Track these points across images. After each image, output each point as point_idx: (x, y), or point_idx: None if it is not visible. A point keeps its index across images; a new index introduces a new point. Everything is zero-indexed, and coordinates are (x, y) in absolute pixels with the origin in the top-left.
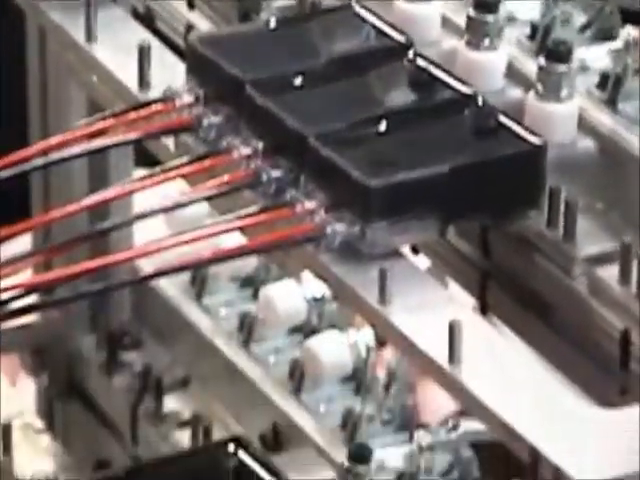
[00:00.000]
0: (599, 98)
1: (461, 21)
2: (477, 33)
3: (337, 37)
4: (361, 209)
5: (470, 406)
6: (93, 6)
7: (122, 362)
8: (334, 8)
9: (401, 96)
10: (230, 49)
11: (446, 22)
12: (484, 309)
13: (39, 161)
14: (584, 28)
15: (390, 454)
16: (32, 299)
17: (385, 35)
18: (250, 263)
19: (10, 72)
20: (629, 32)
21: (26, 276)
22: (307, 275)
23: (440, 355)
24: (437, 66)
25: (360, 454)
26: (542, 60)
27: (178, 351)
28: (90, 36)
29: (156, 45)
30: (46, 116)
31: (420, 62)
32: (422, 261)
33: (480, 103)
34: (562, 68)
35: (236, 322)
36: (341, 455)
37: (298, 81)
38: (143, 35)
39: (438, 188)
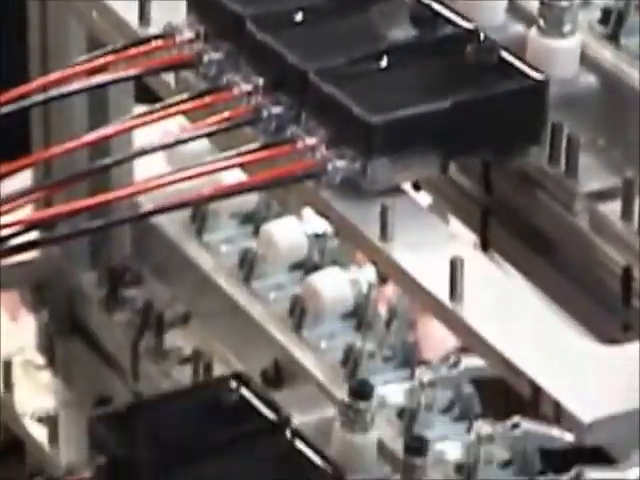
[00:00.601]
0: (601, 33)
1: None
2: None
3: None
4: (362, 145)
5: (471, 342)
6: None
7: (123, 298)
8: None
9: (402, 32)
10: None
11: None
12: (485, 245)
13: (39, 97)
14: None
15: (391, 390)
16: (32, 235)
17: None
18: (251, 200)
19: (10, 8)
20: None
21: (26, 213)
22: (308, 212)
23: (441, 292)
24: (439, 1)
25: (361, 390)
26: None
27: (179, 288)
28: None
29: None
30: (46, 52)
31: None
32: (423, 198)
33: (482, 38)
34: (564, 3)
35: (237, 259)
36: (342, 391)
37: (299, 17)
38: None
39: (439, 124)
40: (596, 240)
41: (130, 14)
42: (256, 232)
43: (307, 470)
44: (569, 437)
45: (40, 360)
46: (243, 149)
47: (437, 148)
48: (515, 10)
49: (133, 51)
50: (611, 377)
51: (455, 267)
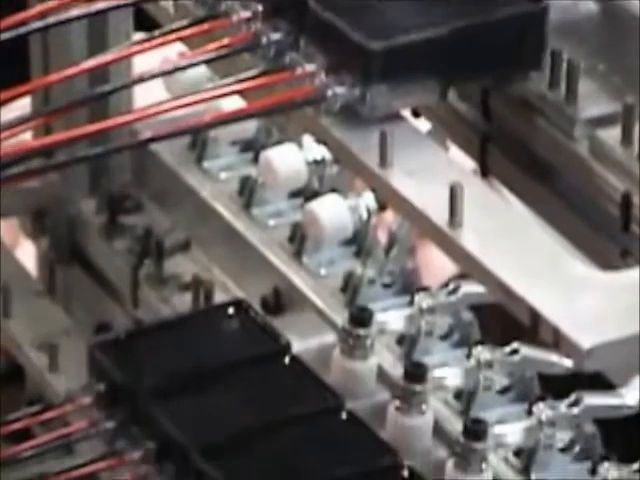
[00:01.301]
0: None
1: None
2: None
3: None
4: (361, 72)
5: (470, 269)
6: None
7: (122, 226)
8: None
9: None
10: None
11: None
12: (485, 172)
13: (38, 24)
14: None
15: (390, 317)
16: (32, 163)
17: None
18: (250, 127)
19: None
20: None
21: (26, 140)
22: (308, 139)
23: (440, 218)
24: None
25: (360, 317)
26: None
27: (178, 215)
28: None
29: None
30: None
31: None
32: (423, 124)
33: None
34: None
35: (236, 186)
36: (341, 318)
37: None
38: None
39: (438, 50)
40: (595, 166)
41: None
42: (256, 159)
43: (306, 396)
44: (568, 363)
45: (40, 287)
46: (242, 76)
47: (436, 74)
48: None
49: None
50: (610, 303)
51: (454, 193)
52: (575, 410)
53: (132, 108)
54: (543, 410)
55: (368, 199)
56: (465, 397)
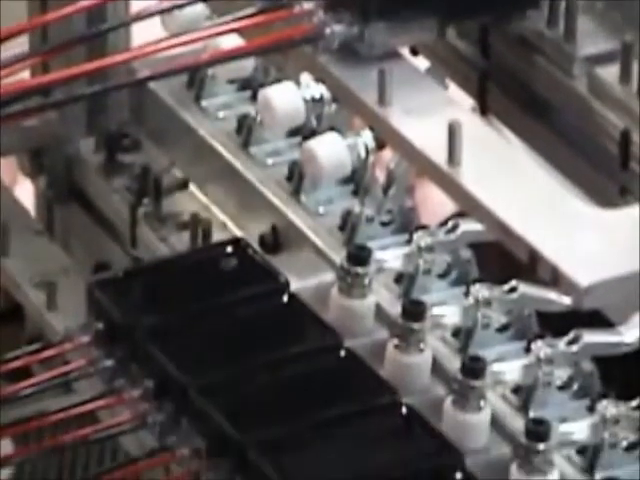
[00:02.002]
0: None
1: None
2: None
3: None
4: (360, 9)
5: (469, 207)
6: None
7: (121, 164)
8: None
9: None
10: None
11: None
12: (483, 110)
13: None
14: None
15: (389, 255)
16: (30, 101)
17: None
18: (248, 65)
19: None
20: None
21: (23, 78)
22: (306, 77)
23: (439, 156)
24: None
25: (359, 255)
26: None
27: (177, 153)
28: None
29: None
30: None
31: None
32: (421, 62)
33: None
34: None
35: (234, 124)
36: (340, 256)
37: None
38: None
39: None
40: (594, 104)
41: None
42: (254, 97)
43: (305, 334)
44: (566, 300)
45: (38, 226)
46: (240, 14)
47: (435, 12)
48: None
49: None
50: (609, 241)
51: (453, 131)
52: (574, 348)
53: (130, 46)
54: (541, 348)
55: (366, 137)
56: (463, 335)
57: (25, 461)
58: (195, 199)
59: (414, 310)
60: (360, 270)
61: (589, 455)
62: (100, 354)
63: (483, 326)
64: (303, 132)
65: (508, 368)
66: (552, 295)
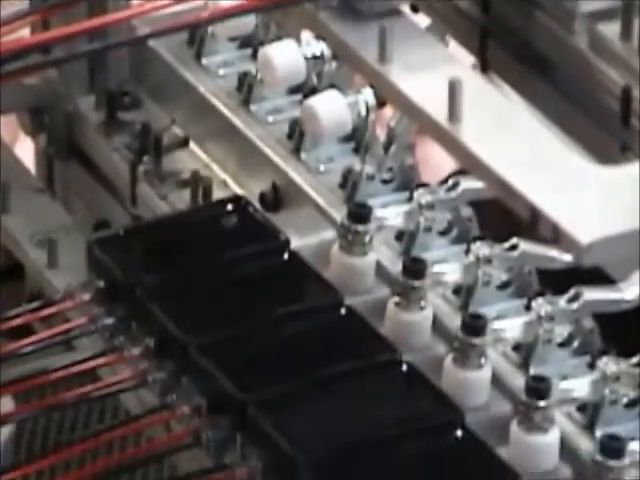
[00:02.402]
0: None
1: None
2: None
3: None
4: None
5: (470, 164)
6: None
7: (121, 122)
8: None
9: None
10: None
11: None
12: (484, 67)
13: None
14: None
15: (390, 213)
16: (30, 59)
17: None
18: (249, 23)
19: None
20: None
21: (24, 36)
22: (307, 35)
23: (440, 113)
24: None
25: (359, 213)
26: None
27: (177, 111)
28: None
29: None
30: None
31: None
32: (422, 19)
33: None
34: None
35: (235, 82)
36: (340, 214)
37: None
38: None
39: None
40: (595, 60)
41: None
42: (254, 55)
43: (306, 292)
44: (567, 258)
45: (39, 184)
46: None
47: None
48: None
49: None
50: (609, 198)
51: (454, 89)
52: (574, 305)
53: (130, 4)
54: (542, 305)
55: (367, 95)
56: (464, 293)
57: (26, 419)
58: (195, 157)
59: (415, 268)
60: (361, 228)
61: (589, 412)
62: (101, 312)
63: (484, 284)
64: (304, 90)
65: (509, 325)
66: (553, 252)
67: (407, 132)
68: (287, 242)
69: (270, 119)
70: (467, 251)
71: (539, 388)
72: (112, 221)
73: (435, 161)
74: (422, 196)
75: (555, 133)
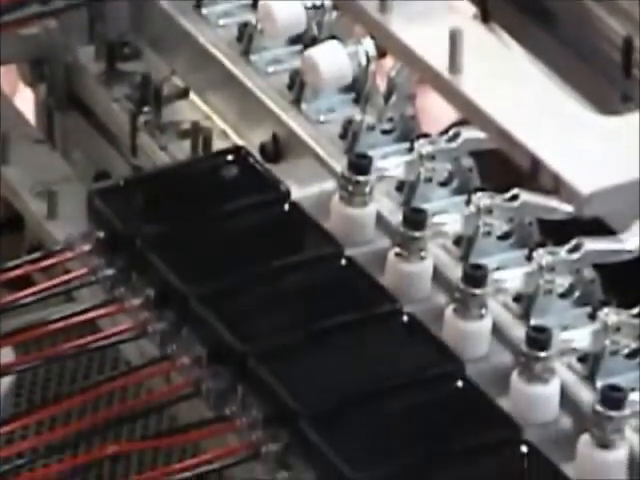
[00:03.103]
0: None
1: None
2: None
3: None
4: None
5: (470, 114)
6: None
7: (121, 72)
8: None
9: None
10: None
11: None
12: (485, 17)
13: None
14: None
15: (390, 163)
16: (29, 9)
17: None
18: None
19: None
20: None
21: None
22: None
23: (440, 64)
24: None
25: (360, 163)
26: None
27: (177, 61)
28: None
29: None
30: None
31: None
32: None
33: None
34: None
35: (235, 32)
36: (341, 165)
37: None
38: None
39: None
40: (597, 10)
41: None
42: (255, 5)
43: (306, 243)
44: (568, 208)
45: (39, 135)
46: None
47: None
48: None
49: None
50: (611, 148)
51: (454, 39)
52: (575, 255)
53: None
54: (543, 256)
55: (367, 45)
56: (465, 243)
57: (26, 370)
58: (196, 107)
59: (415, 218)
60: (361, 178)
61: (590, 363)
62: (101, 263)
63: (484, 234)
64: (304, 40)
65: (509, 276)
66: (554, 203)
67: (407, 82)
68: (287, 193)
69: (270, 69)
70: (468, 202)
71: (540, 339)
72: (112, 172)
73: (436, 112)
74: (423, 147)
75: (556, 83)
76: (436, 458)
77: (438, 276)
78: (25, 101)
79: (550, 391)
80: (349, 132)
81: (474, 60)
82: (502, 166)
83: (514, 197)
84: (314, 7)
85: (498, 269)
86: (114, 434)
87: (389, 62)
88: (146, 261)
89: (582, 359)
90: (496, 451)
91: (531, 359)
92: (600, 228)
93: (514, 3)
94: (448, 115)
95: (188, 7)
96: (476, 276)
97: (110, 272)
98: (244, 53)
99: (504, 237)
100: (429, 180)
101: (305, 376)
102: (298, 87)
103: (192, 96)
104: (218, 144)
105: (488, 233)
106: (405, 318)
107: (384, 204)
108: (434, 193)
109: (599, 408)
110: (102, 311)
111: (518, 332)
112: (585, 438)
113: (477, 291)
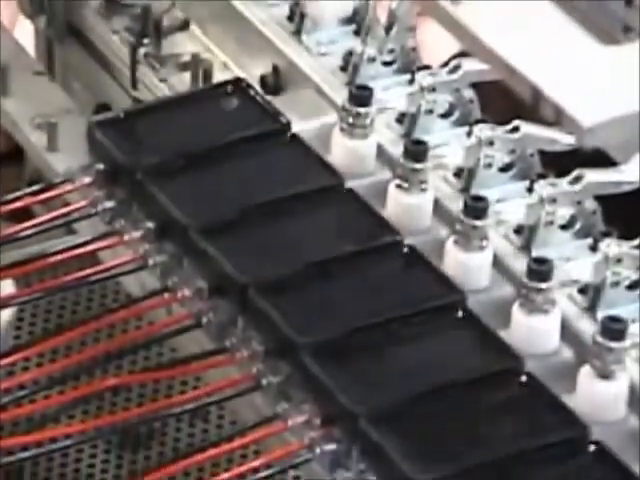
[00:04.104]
0: None
1: None
2: None
3: None
4: None
5: (471, 46)
6: None
7: (121, 4)
8: None
9: None
10: None
11: None
12: None
13: None
14: None
15: (391, 95)
16: None
17: None
18: None
19: None
20: None
21: None
22: None
23: None
24: None
25: (361, 95)
26: None
27: None
28: None
29: None
30: None
31: None
32: None
33: None
34: None
35: None
36: (342, 96)
37: None
38: None
39: None
40: None
41: None
42: None
43: (306, 175)
44: (569, 139)
45: (39, 67)
46: None
47: None
48: None
49: None
50: (612, 79)
51: None
52: (576, 186)
53: None
54: (544, 187)
55: None
56: (466, 175)
57: (27, 302)
58: (196, 39)
59: (416, 150)
60: (362, 110)
61: (591, 294)
62: (101, 195)
63: (485, 166)
64: None
65: (511, 208)
66: (555, 134)
67: (408, 14)
68: (288, 125)
69: (270, 1)
70: (469, 133)
71: (541, 270)
72: (112, 104)
73: (437, 43)
74: (423, 78)
75: (557, 13)
76: (438, 389)
77: (439, 208)
78: (25, 33)
79: (551, 322)
80: (350, 64)
81: None
82: (503, 98)
83: (515, 129)
84: None
85: (499, 201)
86: (115, 366)
87: None
88: (146, 193)
89: (583, 290)
90: (497, 382)
91: (532, 291)
92: (601, 160)
93: None
94: (449, 47)
95: None
96: (477, 208)
97: (110, 204)
98: None
99: (505, 169)
100: (430, 112)
101: (305, 308)
102: (298, 18)
103: (192, 28)
104: (218, 76)
105: (489, 165)
106: (405, 250)
107: (385, 136)
108: (435, 125)
109: (599, 339)
110: (102, 243)
111: (519, 264)
112: (586, 369)
113: (478, 223)
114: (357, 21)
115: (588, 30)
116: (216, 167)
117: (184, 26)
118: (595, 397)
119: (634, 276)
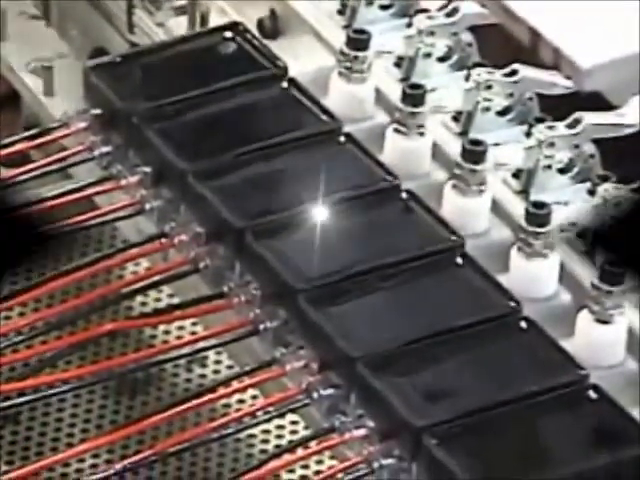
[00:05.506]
0: None
1: None
2: None
3: None
4: None
5: None
6: None
7: None
8: None
9: None
10: None
11: None
12: None
13: None
14: None
15: (389, 39)
16: None
17: None
18: None
19: None
20: None
21: None
22: None
23: None
24: None
25: (358, 39)
26: None
27: None
28: None
29: None
30: None
31: None
32: None
33: None
34: None
35: None
36: (339, 40)
37: None
38: None
39: None
40: None
41: None
42: None
43: (304, 119)
44: (568, 83)
45: (35, 11)
46: None
47: None
48: None
49: None
50: (611, 22)
51: None
52: (574, 130)
53: None
54: (542, 131)
55: None
56: (464, 119)
57: None
58: None
59: (414, 94)
60: (360, 54)
61: (588, 239)
62: (97, 140)
63: (483, 110)
64: None
65: (509, 152)
66: (553, 77)
67: None
68: (285, 69)
69: None
70: (467, 77)
71: (539, 214)
72: (109, 48)
73: None
74: (421, 22)
75: None
76: (436, 334)
77: (437, 152)
78: None
79: (549, 267)
80: (347, 8)
81: None
82: (502, 41)
83: (513, 72)
84: None
85: (497, 145)
86: (112, 311)
87: None
88: (143, 138)
89: (581, 235)
90: (495, 327)
91: (530, 235)
92: (599, 104)
93: None
94: None
95: None
96: (475, 152)
97: (107, 149)
98: None
99: (503, 113)
100: (428, 56)
101: (303, 253)
102: None
103: None
104: (215, 20)
105: (487, 109)
106: (403, 195)
107: (383, 80)
108: (433, 69)
109: (598, 283)
110: (99, 188)
111: (517, 208)
112: (584, 313)
113: (476, 167)
114: None
115: None
116: (213, 111)
117: None
118: (593, 342)
119: None
